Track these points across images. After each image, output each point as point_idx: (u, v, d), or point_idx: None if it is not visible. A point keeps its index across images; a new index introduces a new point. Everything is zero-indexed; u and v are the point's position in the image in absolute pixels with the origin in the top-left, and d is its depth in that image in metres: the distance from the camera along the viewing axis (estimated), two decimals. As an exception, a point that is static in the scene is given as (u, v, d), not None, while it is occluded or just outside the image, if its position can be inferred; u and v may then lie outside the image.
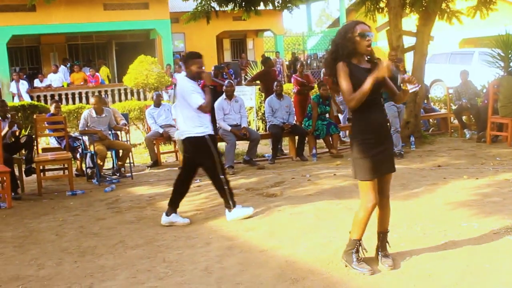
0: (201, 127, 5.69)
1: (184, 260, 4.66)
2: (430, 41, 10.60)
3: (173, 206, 5.86)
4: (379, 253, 4.26)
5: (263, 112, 11.47)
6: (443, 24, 11.18)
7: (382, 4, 11.06)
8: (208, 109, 5.71)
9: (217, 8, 11.33)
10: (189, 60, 5.79)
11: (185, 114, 5.73)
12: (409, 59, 11.21)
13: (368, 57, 4.06)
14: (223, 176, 5.78)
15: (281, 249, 4.77)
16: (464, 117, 11.14)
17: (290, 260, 4.47)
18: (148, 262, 4.68)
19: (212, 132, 5.81)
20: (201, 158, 5.79)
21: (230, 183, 5.92)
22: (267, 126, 9.95)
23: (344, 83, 3.93)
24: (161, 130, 9.54)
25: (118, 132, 9.49)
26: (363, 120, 4.03)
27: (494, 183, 6.75)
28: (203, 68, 5.77)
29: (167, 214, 5.81)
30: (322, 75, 16.87)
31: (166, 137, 9.57)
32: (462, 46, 25.19)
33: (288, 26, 51.77)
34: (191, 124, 5.70)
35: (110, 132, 8.96)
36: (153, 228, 5.73)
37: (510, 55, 10.85)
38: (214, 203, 6.59)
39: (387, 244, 4.29)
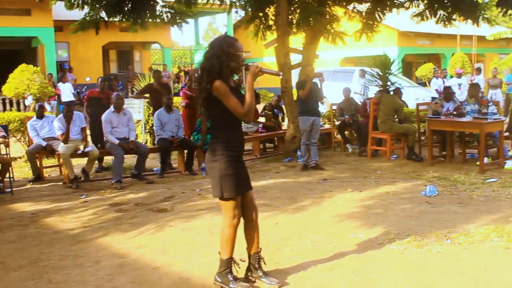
0: None
1: (72, 281, 4.45)
2: (315, 59, 11.02)
3: None
4: (259, 272, 4.21)
5: (151, 125, 11.29)
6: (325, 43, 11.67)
7: (271, 22, 11.33)
8: None
9: (106, 19, 11.01)
10: None
11: None
12: (295, 76, 11.51)
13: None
14: None
15: (175, 265, 4.71)
16: (346, 132, 11.67)
17: (184, 277, 4.42)
18: (32, 284, 4.42)
19: None
20: None
21: None
22: (156, 140, 9.80)
23: (232, 99, 3.89)
24: (44, 143, 9.08)
25: (-4, 145, 8.94)
26: (229, 136, 4.03)
27: (376, 195, 7.14)
28: None
29: None
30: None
31: (49, 151, 9.13)
32: (343, 65, 26.45)
33: (176, 39, 51.67)
34: None
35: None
36: (37, 247, 5.41)
37: (387, 75, 11.50)
38: (102, 219, 6.38)
39: (263, 262, 4.28)
